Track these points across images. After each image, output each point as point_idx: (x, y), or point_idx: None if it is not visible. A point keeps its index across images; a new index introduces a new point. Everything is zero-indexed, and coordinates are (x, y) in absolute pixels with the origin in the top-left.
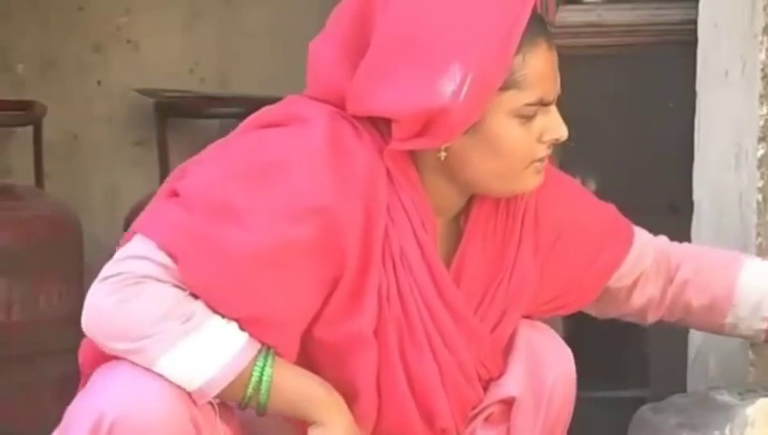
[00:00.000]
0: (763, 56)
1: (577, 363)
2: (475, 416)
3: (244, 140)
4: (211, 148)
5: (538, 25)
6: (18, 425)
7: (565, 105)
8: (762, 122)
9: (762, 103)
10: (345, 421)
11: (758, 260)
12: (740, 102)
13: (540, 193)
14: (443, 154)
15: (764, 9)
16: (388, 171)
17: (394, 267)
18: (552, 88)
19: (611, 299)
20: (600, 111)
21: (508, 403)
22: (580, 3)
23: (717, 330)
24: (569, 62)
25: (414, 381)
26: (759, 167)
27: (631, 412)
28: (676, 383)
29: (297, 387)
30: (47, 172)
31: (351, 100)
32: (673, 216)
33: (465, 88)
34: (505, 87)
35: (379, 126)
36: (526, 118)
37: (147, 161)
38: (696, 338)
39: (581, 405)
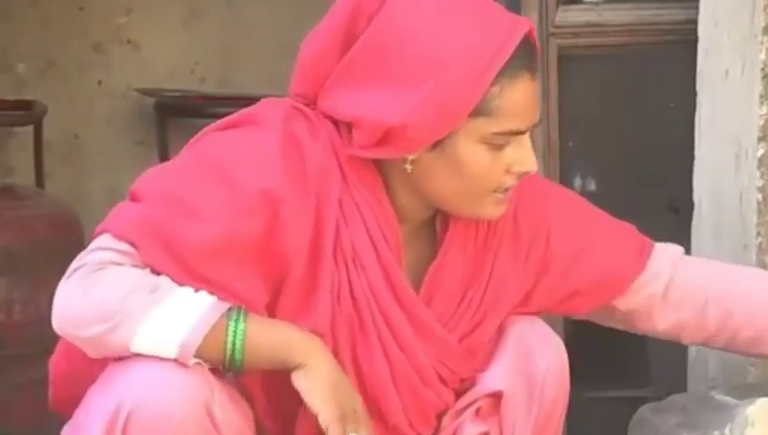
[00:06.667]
0: (763, 56)
1: (577, 363)
2: (463, 410)
3: (198, 144)
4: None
5: (525, 56)
6: (18, 425)
7: (565, 105)
8: (762, 122)
9: (762, 103)
10: (328, 361)
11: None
12: (740, 102)
13: (519, 200)
14: (408, 167)
15: (765, 9)
16: (342, 171)
17: (346, 266)
18: (527, 120)
19: (631, 317)
20: (600, 111)
21: (497, 397)
22: (580, 2)
23: (761, 356)
24: (569, 63)
25: (364, 379)
26: (759, 166)
27: (631, 412)
28: (677, 383)
29: (273, 336)
30: (47, 172)
31: (322, 97)
32: (673, 216)
33: (428, 108)
34: (476, 113)
35: (341, 127)
36: (496, 146)
37: (147, 161)
38: None
39: (581, 405)
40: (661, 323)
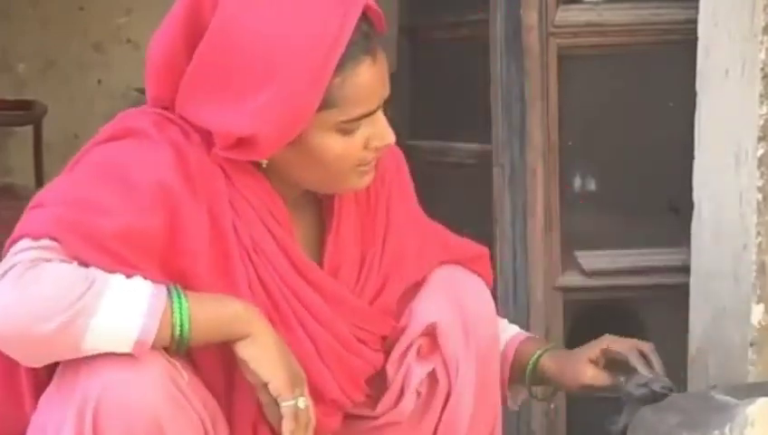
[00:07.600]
0: (763, 56)
1: None
2: (404, 354)
3: (86, 157)
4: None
5: (363, 40)
6: None
7: (565, 105)
8: (762, 122)
9: (762, 103)
10: (269, 328)
11: (504, 323)
12: (740, 102)
13: (398, 156)
14: (264, 162)
15: (765, 8)
16: (222, 168)
17: (251, 259)
18: (375, 101)
19: None
20: (599, 111)
21: (433, 334)
22: (580, 2)
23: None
24: (569, 62)
25: None
26: (759, 166)
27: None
28: (677, 383)
29: (216, 309)
30: (47, 172)
31: (178, 104)
32: (673, 216)
33: (273, 115)
34: (322, 107)
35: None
36: (348, 130)
37: None
38: (695, 338)
39: (582, 405)
40: None
